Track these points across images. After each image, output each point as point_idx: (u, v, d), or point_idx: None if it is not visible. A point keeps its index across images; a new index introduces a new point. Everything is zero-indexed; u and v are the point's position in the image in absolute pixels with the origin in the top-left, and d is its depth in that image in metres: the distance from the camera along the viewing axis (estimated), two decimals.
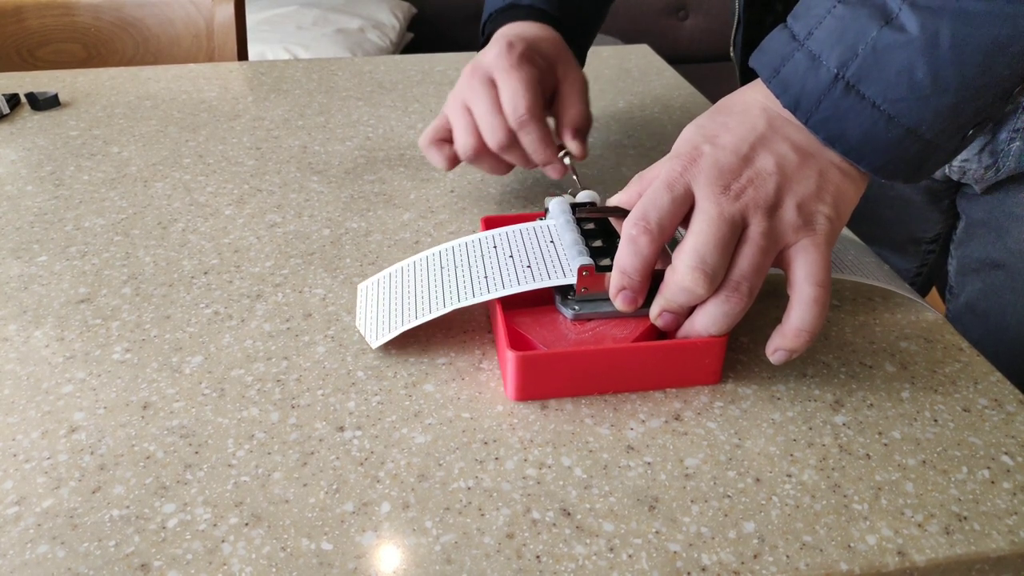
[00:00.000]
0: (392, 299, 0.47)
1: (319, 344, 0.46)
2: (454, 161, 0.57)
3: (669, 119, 0.78)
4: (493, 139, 0.54)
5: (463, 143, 0.55)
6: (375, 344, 0.45)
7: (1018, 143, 0.58)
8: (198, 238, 0.57)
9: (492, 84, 0.54)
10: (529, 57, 0.55)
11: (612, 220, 0.47)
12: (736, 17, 0.67)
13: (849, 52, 0.39)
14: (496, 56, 0.54)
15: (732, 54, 0.70)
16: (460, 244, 0.48)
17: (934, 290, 0.82)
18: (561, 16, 0.61)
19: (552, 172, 0.56)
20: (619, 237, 0.41)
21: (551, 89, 0.58)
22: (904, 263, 0.78)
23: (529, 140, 0.54)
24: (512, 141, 0.54)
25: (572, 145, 0.56)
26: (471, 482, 0.37)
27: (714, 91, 0.73)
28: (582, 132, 0.57)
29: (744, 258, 0.39)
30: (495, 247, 0.46)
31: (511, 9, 0.61)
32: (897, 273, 0.77)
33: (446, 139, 0.57)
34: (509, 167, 0.57)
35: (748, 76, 0.45)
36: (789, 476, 0.38)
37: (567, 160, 0.56)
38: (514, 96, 0.53)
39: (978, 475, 0.38)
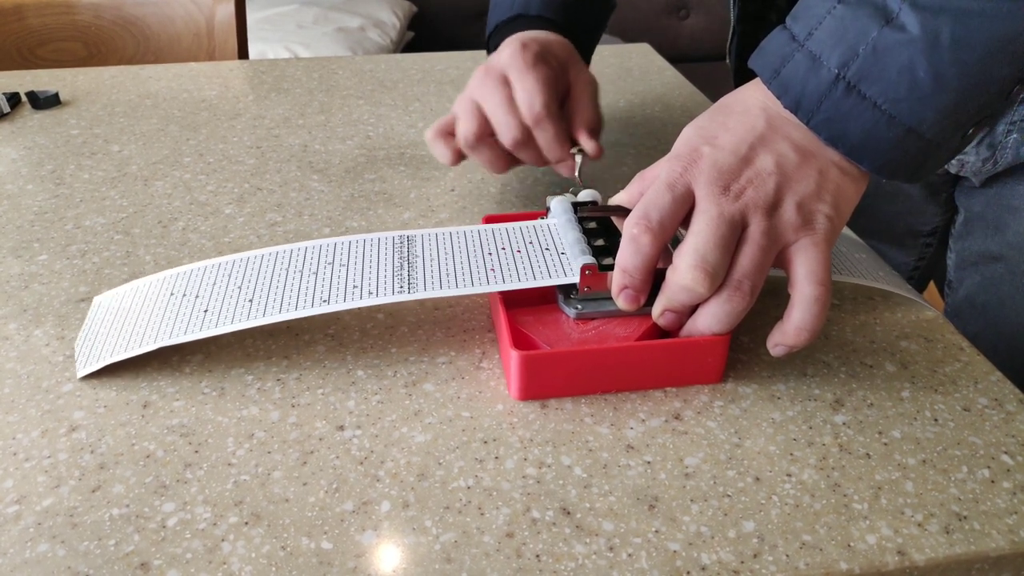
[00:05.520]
0: (137, 319, 0.44)
1: (319, 343, 0.46)
2: (459, 155, 0.57)
3: (669, 118, 0.78)
4: (508, 135, 0.54)
5: (464, 129, 0.54)
6: (83, 372, 0.43)
7: (1015, 135, 0.58)
8: (198, 237, 0.57)
9: (506, 83, 0.54)
10: (543, 57, 0.55)
11: (614, 219, 0.47)
12: (731, 27, 0.68)
13: (850, 52, 0.39)
14: (510, 56, 0.54)
15: (728, 61, 0.71)
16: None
17: (932, 286, 0.82)
18: (567, 26, 0.62)
19: (563, 170, 0.56)
20: (621, 236, 0.41)
21: (563, 91, 0.58)
22: (902, 256, 0.78)
23: (545, 137, 0.54)
24: (527, 138, 0.54)
25: (588, 144, 0.56)
26: (471, 481, 0.37)
27: (714, 90, 0.73)
28: (595, 132, 0.57)
29: (745, 257, 0.39)
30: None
31: (518, 19, 0.62)
32: (895, 267, 0.78)
33: (452, 133, 0.56)
34: (508, 163, 0.57)
35: (744, 82, 0.45)
36: (789, 475, 0.38)
37: (578, 159, 0.56)
38: (530, 94, 0.53)
39: (978, 474, 0.38)
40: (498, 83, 0.54)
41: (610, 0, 0.67)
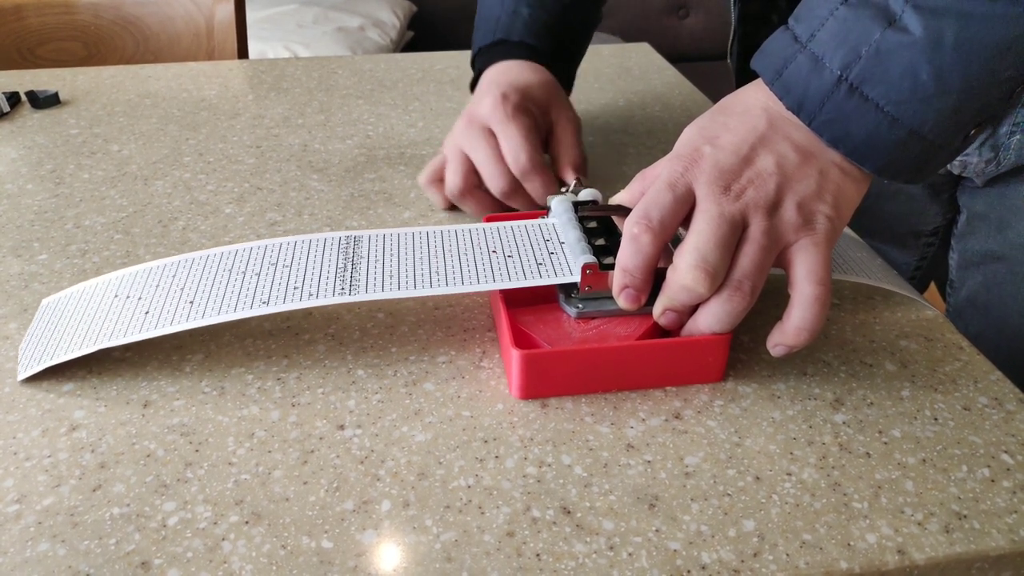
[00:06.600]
0: (84, 320, 0.44)
1: (319, 342, 0.46)
2: (450, 202, 0.58)
3: (669, 117, 0.78)
4: (497, 186, 0.55)
5: (451, 183, 0.56)
6: (23, 375, 0.42)
7: (1018, 136, 0.58)
8: (198, 236, 0.57)
9: (491, 134, 0.55)
10: (524, 108, 0.56)
11: (615, 218, 0.47)
12: (733, 28, 0.68)
13: (852, 54, 0.39)
14: (491, 108, 0.55)
15: (729, 62, 0.71)
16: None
17: (932, 287, 0.82)
18: (550, 50, 0.63)
19: None
20: (621, 236, 0.41)
21: (546, 131, 0.59)
22: (904, 256, 0.78)
23: (534, 187, 0.55)
24: (515, 188, 0.55)
25: (573, 184, 0.57)
26: (471, 480, 0.37)
27: (714, 90, 0.73)
28: (581, 171, 0.59)
29: (745, 256, 0.39)
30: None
31: (500, 45, 0.62)
32: (897, 267, 0.78)
33: (443, 179, 0.58)
34: (493, 208, 0.58)
35: (745, 83, 0.45)
36: (789, 475, 0.38)
37: (572, 185, 0.57)
38: (515, 147, 0.54)
39: (978, 474, 0.38)
40: (483, 134, 0.55)
41: (592, 20, 0.68)
